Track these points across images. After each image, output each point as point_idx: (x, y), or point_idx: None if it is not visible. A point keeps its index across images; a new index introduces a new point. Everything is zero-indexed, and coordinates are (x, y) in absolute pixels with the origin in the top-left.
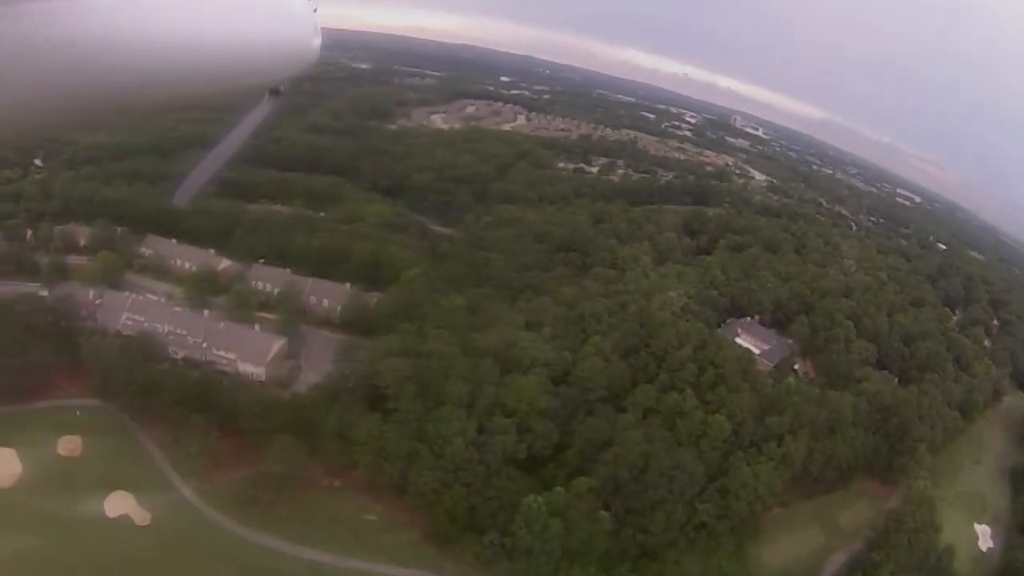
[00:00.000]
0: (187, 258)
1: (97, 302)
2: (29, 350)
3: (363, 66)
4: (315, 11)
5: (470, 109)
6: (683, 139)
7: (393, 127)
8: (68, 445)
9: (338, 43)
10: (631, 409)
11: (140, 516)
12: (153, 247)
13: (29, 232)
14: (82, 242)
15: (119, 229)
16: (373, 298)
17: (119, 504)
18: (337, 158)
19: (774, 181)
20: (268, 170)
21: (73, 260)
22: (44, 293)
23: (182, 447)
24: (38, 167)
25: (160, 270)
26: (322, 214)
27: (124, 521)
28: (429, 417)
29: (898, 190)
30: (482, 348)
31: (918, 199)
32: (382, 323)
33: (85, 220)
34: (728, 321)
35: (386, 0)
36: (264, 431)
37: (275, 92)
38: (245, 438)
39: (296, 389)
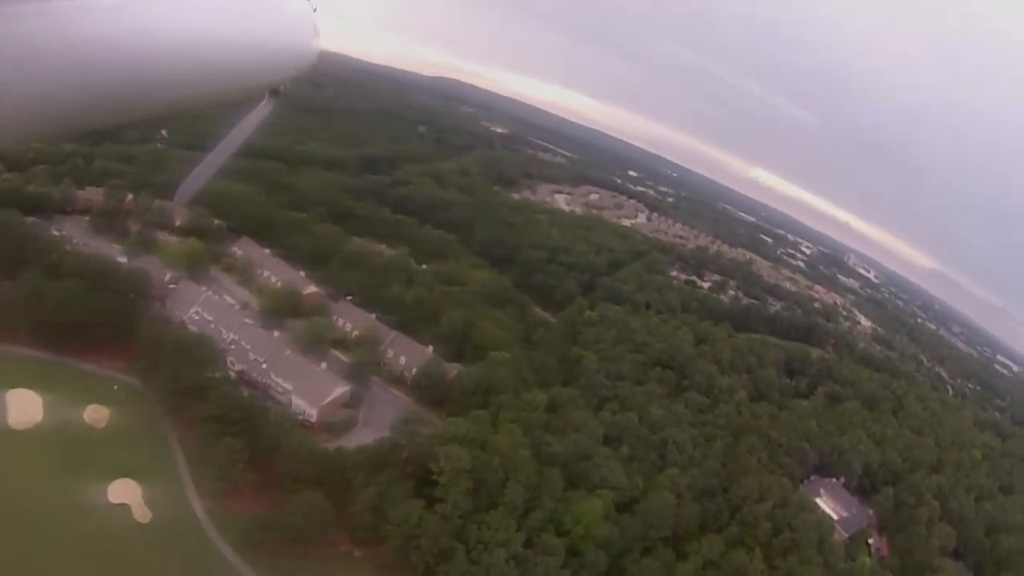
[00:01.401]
0: (275, 272)
1: (171, 286)
2: (89, 310)
3: (500, 130)
4: (315, 11)
5: (594, 196)
6: (796, 269)
7: (516, 197)
8: (95, 414)
9: (483, 103)
10: (692, 558)
11: (141, 511)
12: (245, 250)
13: (130, 196)
14: (177, 222)
15: (216, 222)
16: (453, 369)
17: (124, 491)
18: (454, 214)
19: (879, 329)
20: (383, 208)
21: (163, 237)
22: (123, 259)
23: (206, 462)
24: (162, 137)
25: (245, 275)
26: (424, 266)
27: (123, 510)
28: (476, 518)
29: (998, 356)
30: (553, 455)
31: (1016, 368)
32: (455, 400)
33: (187, 203)
34: (812, 478)
35: (535, 72)
36: (297, 476)
37: (275, 92)
38: (274, 476)
39: (344, 442)
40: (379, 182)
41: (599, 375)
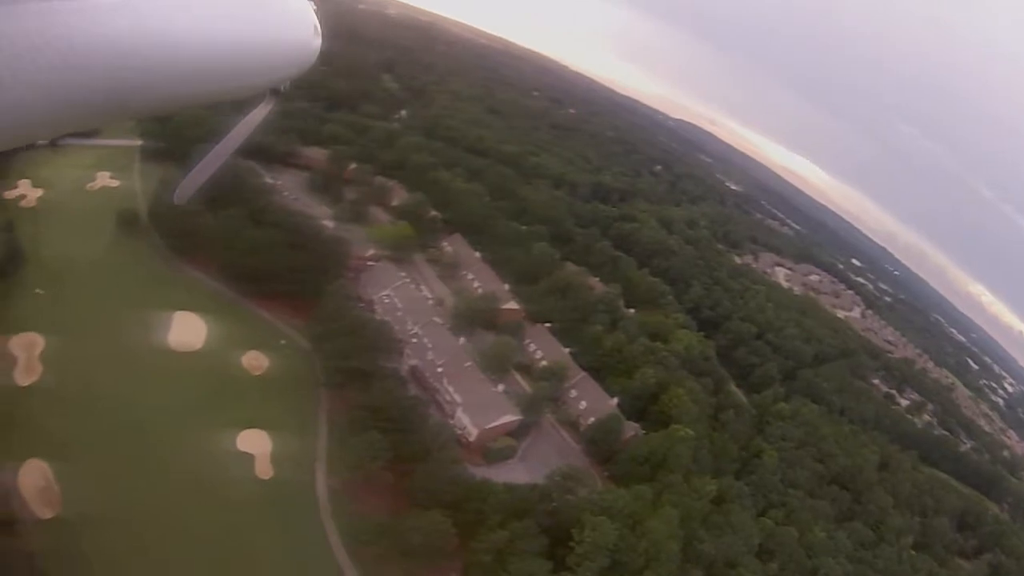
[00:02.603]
0: (479, 277)
1: (370, 263)
2: (281, 262)
3: (734, 186)
4: (315, 11)
5: (813, 277)
6: (994, 405)
7: (738, 260)
8: (253, 360)
9: (721, 156)
10: None
11: (263, 467)
12: (455, 247)
13: (353, 165)
14: (394, 202)
15: (433, 212)
16: (631, 430)
17: (254, 442)
18: (673, 264)
19: None
20: (604, 240)
21: (375, 213)
22: (329, 224)
23: (347, 445)
24: (399, 117)
25: (448, 272)
26: (632, 311)
27: (246, 460)
28: None
29: None
30: (701, 554)
31: None
32: (623, 463)
33: (408, 186)
34: None
35: (777, 135)
36: (433, 493)
37: (275, 92)
38: (410, 484)
39: (494, 473)
40: (606, 213)
41: (774, 477)
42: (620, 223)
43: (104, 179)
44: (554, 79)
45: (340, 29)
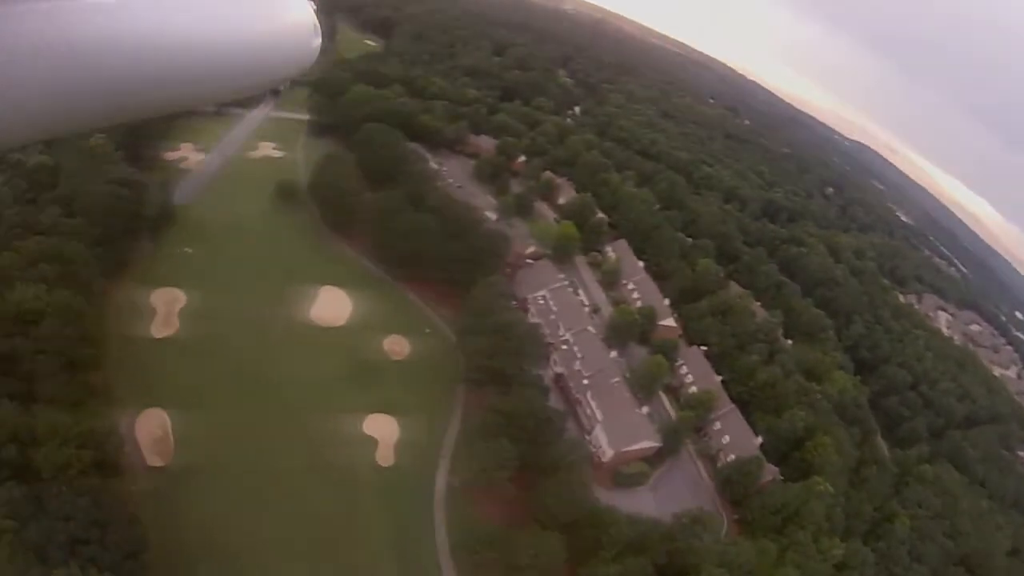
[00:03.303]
0: (640, 289)
1: (528, 261)
2: (437, 248)
3: (905, 218)
4: (315, 11)
5: (974, 327)
6: None
7: (901, 299)
8: (395, 344)
9: (895, 183)
10: None
11: (385, 454)
12: (619, 254)
13: (522, 158)
14: (560, 200)
15: (599, 215)
16: (769, 473)
17: (380, 428)
18: (837, 296)
19: None
20: (769, 263)
21: (540, 210)
22: (491, 215)
23: (475, 447)
24: (572, 113)
25: (608, 279)
26: (790, 343)
27: (369, 444)
28: None
29: None
30: None
31: None
32: (755, 510)
33: (576, 185)
34: None
35: (954, 167)
36: (553, 512)
37: (275, 92)
38: (531, 497)
39: (621, 501)
40: (774, 233)
41: (902, 548)
42: (788, 246)
43: (267, 149)
44: (731, 87)
45: (515, 21)
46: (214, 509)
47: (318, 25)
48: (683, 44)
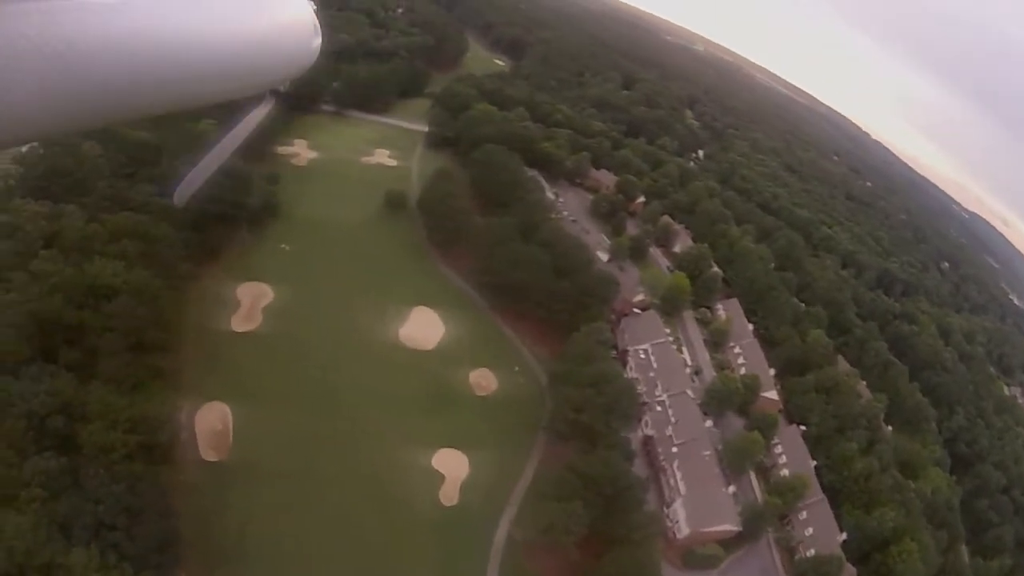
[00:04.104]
0: (746, 354)
1: (635, 310)
2: (542, 282)
3: (1017, 302)
4: (315, 11)
5: None
6: None
7: (1006, 391)
8: (481, 379)
9: (1008, 262)
10: None
11: (450, 492)
12: (729, 314)
13: (641, 199)
14: (675, 247)
15: (714, 268)
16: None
17: (449, 464)
18: (942, 382)
19: None
20: (881, 340)
21: (654, 255)
22: (603, 255)
23: (545, 501)
24: (696, 157)
25: (714, 339)
26: (890, 429)
27: (434, 480)
28: None
29: None
30: None
31: None
32: None
33: (694, 233)
34: None
35: None
36: None
37: (275, 92)
38: (593, 568)
39: None
40: (887, 307)
41: None
42: (899, 322)
43: (382, 156)
44: (855, 145)
45: (646, 56)
46: (259, 513)
47: (318, 25)
48: (810, 95)
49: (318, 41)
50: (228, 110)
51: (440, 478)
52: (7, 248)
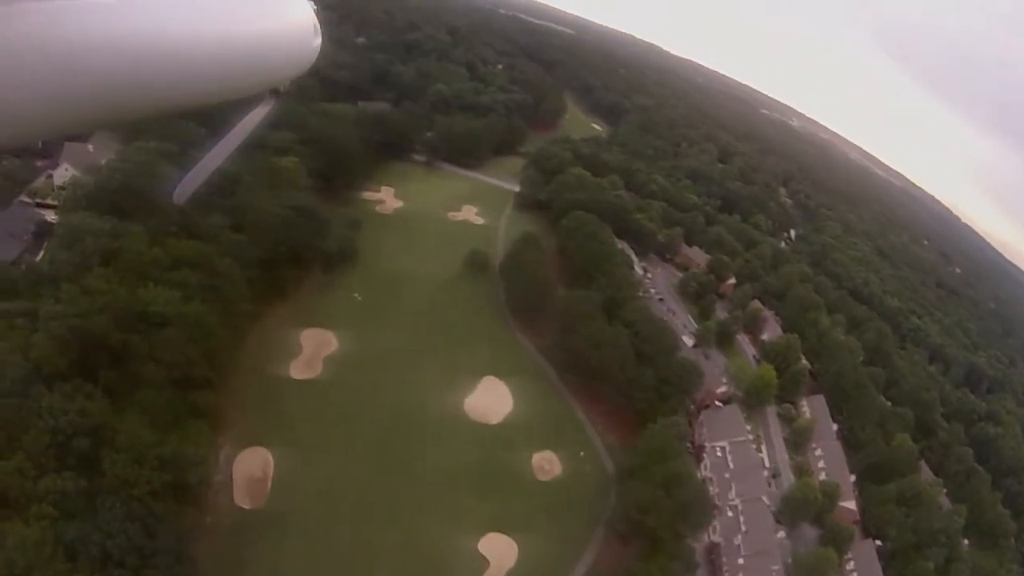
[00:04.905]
0: (827, 457)
1: (718, 403)
2: (625, 368)
3: None
4: (315, 11)
5: None
6: None
7: None
8: (544, 462)
9: None
10: None
11: None
12: (814, 412)
13: (732, 280)
14: (764, 335)
15: (803, 361)
16: None
17: (497, 548)
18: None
19: None
20: (965, 445)
21: (741, 341)
22: (688, 341)
23: None
24: (788, 236)
25: (796, 439)
26: (966, 543)
27: (479, 564)
28: None
29: None
30: None
31: None
32: None
33: (784, 321)
34: None
35: None
36: None
37: (275, 92)
38: None
39: None
40: (973, 406)
41: None
42: (984, 423)
43: (469, 213)
44: (945, 229)
45: (742, 128)
46: (285, 571)
47: (318, 25)
48: (904, 177)
49: (318, 41)
50: (228, 110)
51: (485, 564)
52: (64, 258)
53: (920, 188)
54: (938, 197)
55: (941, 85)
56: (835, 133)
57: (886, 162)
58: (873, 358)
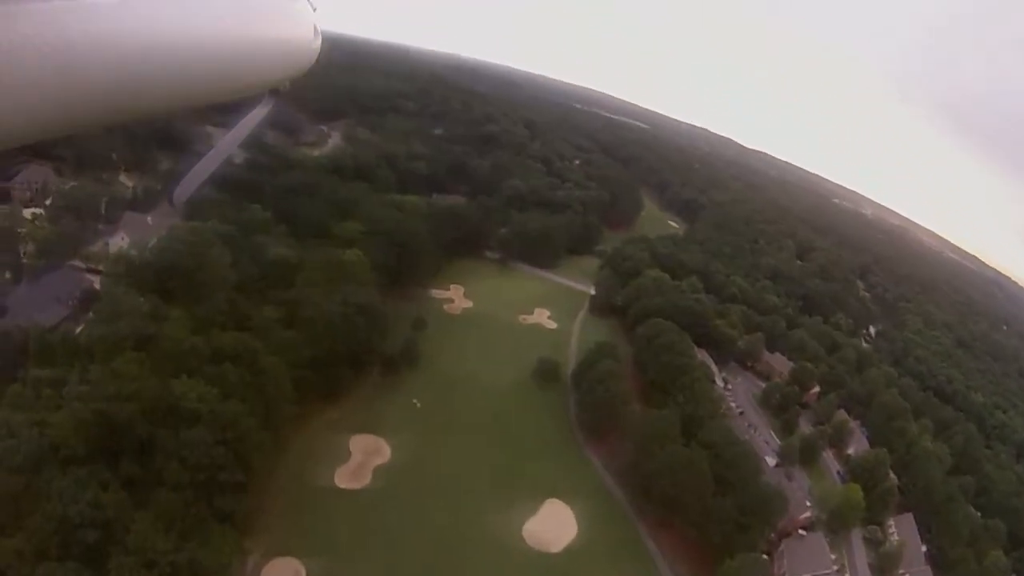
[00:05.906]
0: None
1: (800, 531)
2: (702, 496)
3: None
4: (315, 11)
5: None
6: None
7: None
8: None
9: None
10: None
11: None
12: (902, 533)
13: (816, 389)
14: (849, 449)
15: (891, 477)
16: None
17: None
18: None
19: None
20: None
21: (826, 458)
22: (771, 460)
23: None
24: (868, 335)
25: (883, 565)
26: None
27: None
28: None
29: None
30: None
31: None
32: None
33: (871, 432)
34: None
35: None
36: None
37: (275, 92)
38: None
39: None
40: None
41: None
42: None
43: (542, 316)
44: (1020, 308)
45: (819, 221)
46: None
47: (318, 27)
48: (978, 259)
49: (318, 42)
50: (228, 110)
51: None
52: (97, 335)
53: (993, 268)
54: (1013, 277)
55: (1004, 156)
56: (905, 218)
57: (957, 243)
58: (961, 464)
